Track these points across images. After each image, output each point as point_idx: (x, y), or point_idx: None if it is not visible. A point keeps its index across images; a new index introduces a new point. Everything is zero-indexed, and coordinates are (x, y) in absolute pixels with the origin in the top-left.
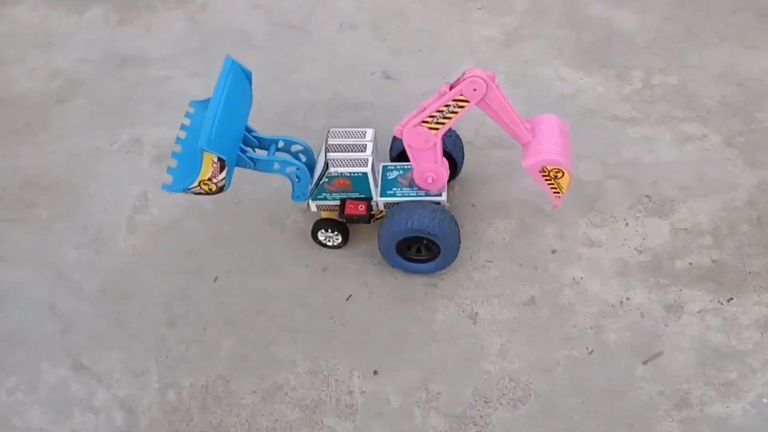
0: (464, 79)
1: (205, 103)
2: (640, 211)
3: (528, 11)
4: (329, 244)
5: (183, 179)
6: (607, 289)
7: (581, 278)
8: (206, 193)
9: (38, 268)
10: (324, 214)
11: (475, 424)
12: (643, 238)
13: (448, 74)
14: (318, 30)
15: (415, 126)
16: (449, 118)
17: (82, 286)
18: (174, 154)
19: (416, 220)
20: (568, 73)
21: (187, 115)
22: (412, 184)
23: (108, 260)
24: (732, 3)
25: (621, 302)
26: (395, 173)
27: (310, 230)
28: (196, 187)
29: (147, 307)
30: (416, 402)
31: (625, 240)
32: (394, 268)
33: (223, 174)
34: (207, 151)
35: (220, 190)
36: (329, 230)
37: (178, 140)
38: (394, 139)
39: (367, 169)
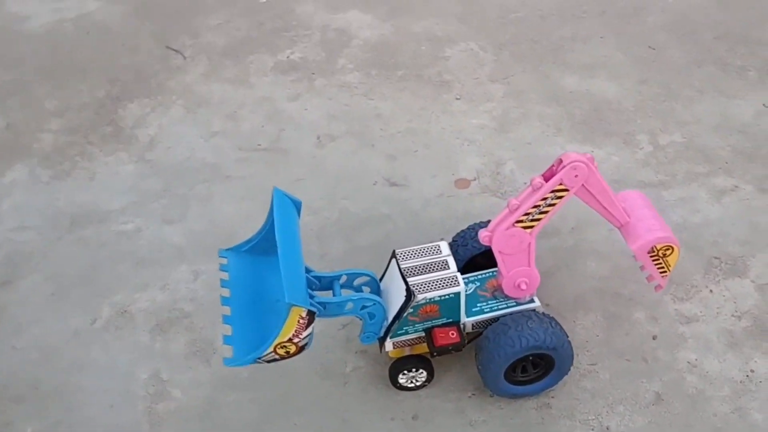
0: (564, 166)
1: (238, 249)
2: (717, 275)
3: (507, 95)
4: (411, 385)
5: (251, 347)
6: (727, 365)
7: (696, 360)
8: (281, 358)
9: None
10: (394, 353)
11: None
12: (734, 302)
13: (455, 170)
14: (294, 148)
15: (508, 228)
16: (546, 212)
17: None
18: (226, 319)
19: (530, 336)
20: (576, 147)
21: (223, 267)
22: (496, 295)
23: None
24: (691, 58)
25: (747, 376)
26: (471, 287)
27: (384, 375)
28: (270, 353)
29: None
30: None
31: (718, 309)
32: (495, 396)
33: (309, 330)
34: (297, 305)
35: (300, 350)
36: (412, 369)
37: (225, 300)
38: (452, 248)
39: (460, 288)
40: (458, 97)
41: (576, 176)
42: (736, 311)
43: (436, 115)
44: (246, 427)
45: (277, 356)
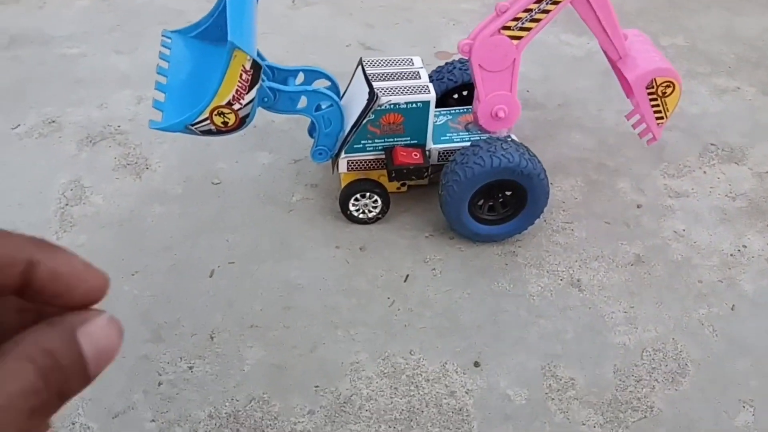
0: None
1: (184, 32)
2: (713, 159)
3: None
4: (362, 216)
5: (184, 109)
6: (717, 238)
7: (683, 230)
8: (218, 131)
9: None
10: (347, 177)
11: (636, 410)
12: (729, 185)
13: (438, 43)
14: (265, 6)
15: (492, 35)
16: (537, 20)
17: None
18: (159, 86)
19: (503, 156)
20: (571, 38)
21: (164, 44)
22: (469, 128)
23: None
24: None
25: (739, 250)
26: (443, 118)
27: (335, 208)
28: (204, 121)
29: None
30: (547, 394)
31: (711, 188)
32: (458, 236)
33: (252, 95)
34: (240, 48)
35: (241, 123)
36: (366, 195)
37: (162, 70)
38: None
39: (431, 97)
40: None
41: None
42: (731, 192)
43: None
44: (169, 238)
45: (213, 127)
